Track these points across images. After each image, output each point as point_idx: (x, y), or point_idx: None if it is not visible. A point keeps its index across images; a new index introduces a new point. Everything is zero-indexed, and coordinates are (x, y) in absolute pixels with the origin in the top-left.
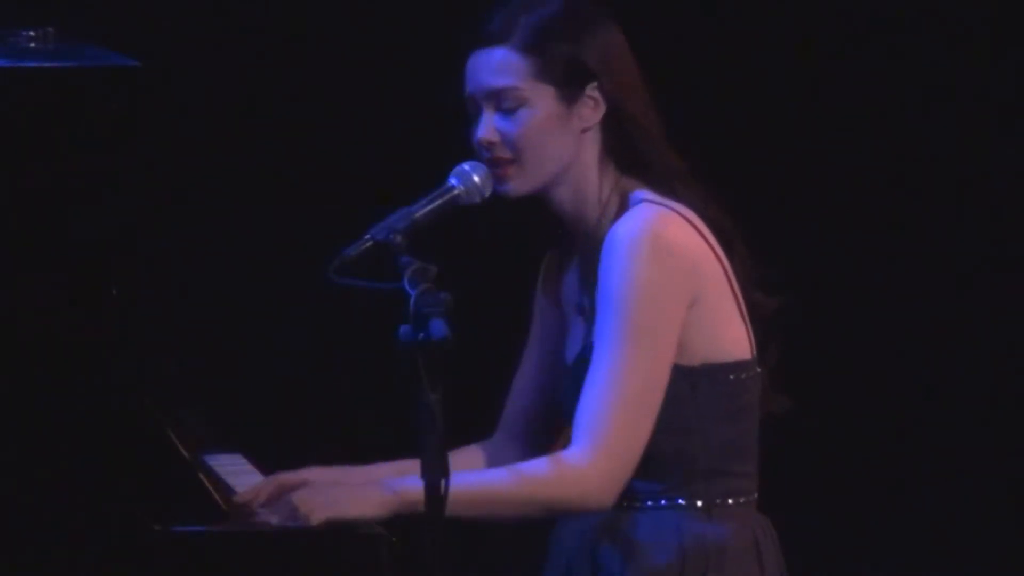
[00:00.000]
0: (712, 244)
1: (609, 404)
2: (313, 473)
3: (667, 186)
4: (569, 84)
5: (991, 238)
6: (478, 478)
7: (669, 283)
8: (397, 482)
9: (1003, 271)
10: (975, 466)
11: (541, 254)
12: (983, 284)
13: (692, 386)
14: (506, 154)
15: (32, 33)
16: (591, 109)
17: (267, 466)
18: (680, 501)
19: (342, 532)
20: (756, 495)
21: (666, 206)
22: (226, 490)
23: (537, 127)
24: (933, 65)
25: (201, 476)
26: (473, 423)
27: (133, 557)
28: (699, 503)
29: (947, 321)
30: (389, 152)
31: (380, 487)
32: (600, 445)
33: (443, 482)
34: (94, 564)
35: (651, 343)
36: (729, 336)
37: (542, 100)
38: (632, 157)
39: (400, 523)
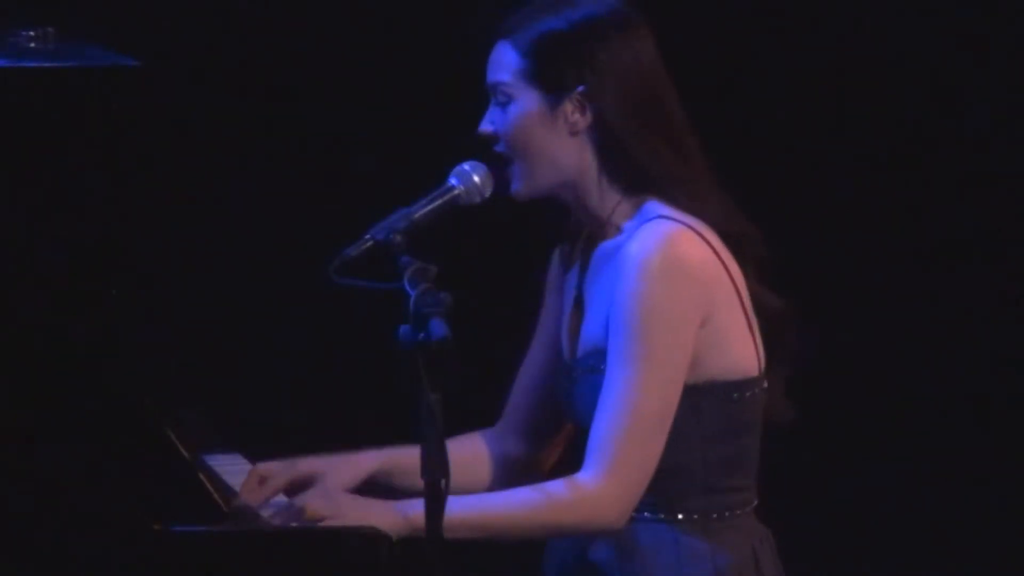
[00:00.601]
0: (724, 259)
1: (622, 428)
2: (300, 464)
3: (674, 197)
4: (554, 88)
5: (991, 238)
6: (493, 502)
7: (683, 304)
8: (409, 507)
9: (1003, 271)
10: (975, 468)
11: (547, 250)
12: (982, 284)
13: (696, 403)
14: (500, 148)
15: (32, 33)
16: (578, 114)
17: None
18: (679, 515)
19: (342, 532)
20: (755, 502)
21: (680, 221)
22: (226, 490)
23: (520, 124)
24: (933, 65)
25: (201, 476)
26: (473, 423)
27: (133, 557)
28: (696, 517)
29: (947, 321)
30: (389, 152)
31: (391, 510)
32: (612, 469)
33: (443, 482)
34: (94, 564)
35: (664, 366)
36: (737, 353)
37: (527, 99)
38: (624, 164)
39: None
